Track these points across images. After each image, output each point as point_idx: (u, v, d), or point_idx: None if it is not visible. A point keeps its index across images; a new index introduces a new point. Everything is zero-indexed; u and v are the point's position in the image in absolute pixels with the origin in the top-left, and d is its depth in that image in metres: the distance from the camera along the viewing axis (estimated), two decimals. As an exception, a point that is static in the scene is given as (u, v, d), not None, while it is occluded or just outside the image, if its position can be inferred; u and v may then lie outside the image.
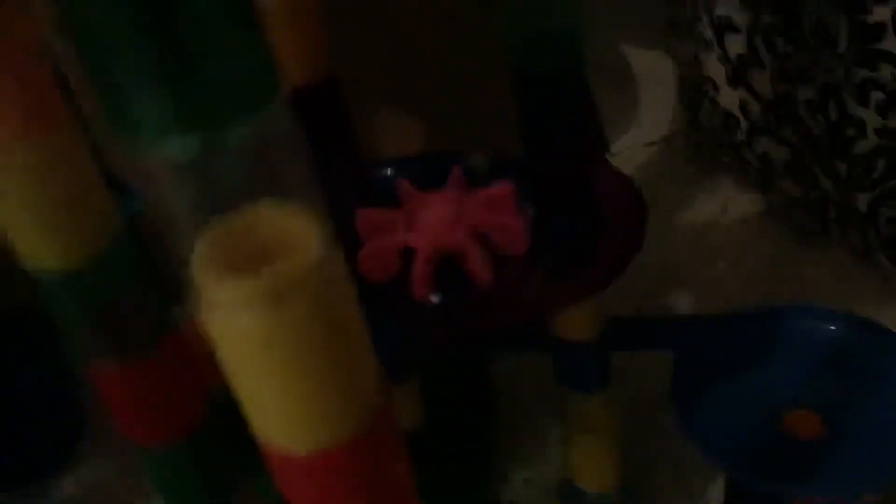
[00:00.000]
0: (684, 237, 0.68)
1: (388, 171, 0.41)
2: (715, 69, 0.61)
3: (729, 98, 0.61)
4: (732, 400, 0.47)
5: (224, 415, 0.49)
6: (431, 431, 0.51)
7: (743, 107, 0.60)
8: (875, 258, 0.58)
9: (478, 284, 0.34)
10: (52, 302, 0.26)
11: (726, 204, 0.70)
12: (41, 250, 0.25)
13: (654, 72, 0.75)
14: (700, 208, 0.70)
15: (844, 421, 0.45)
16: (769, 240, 0.66)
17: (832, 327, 0.48)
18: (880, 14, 0.47)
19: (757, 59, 0.56)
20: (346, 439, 0.19)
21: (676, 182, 0.73)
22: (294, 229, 0.18)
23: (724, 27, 0.58)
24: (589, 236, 0.36)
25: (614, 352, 0.47)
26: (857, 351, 0.47)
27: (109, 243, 0.26)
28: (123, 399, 0.28)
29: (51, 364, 0.59)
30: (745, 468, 0.44)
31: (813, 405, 0.46)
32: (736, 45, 0.57)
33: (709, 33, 0.59)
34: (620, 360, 0.48)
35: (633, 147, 0.76)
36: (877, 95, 0.50)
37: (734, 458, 0.44)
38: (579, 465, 0.49)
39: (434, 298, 0.34)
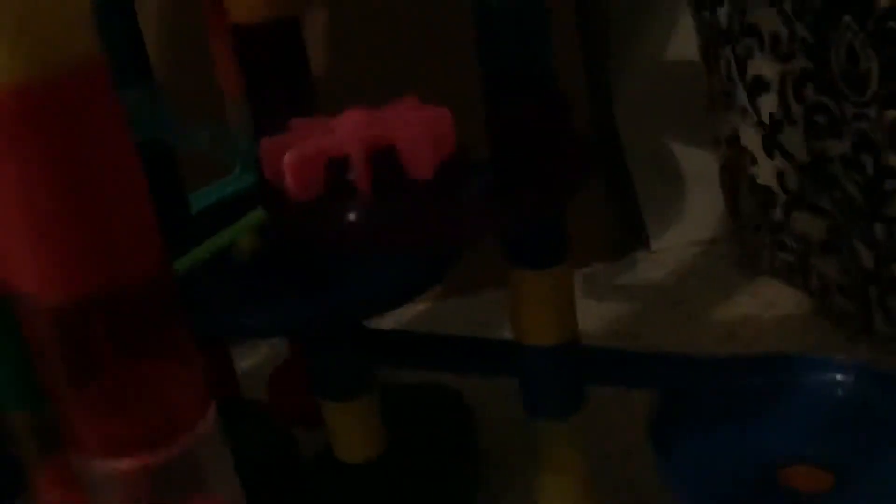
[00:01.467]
0: (717, 331, 0.62)
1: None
2: (751, 139, 0.57)
3: (766, 170, 0.57)
4: (722, 449, 0.40)
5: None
6: (397, 462, 0.46)
7: (780, 177, 0.56)
8: (922, 348, 0.51)
9: (417, 177, 0.30)
10: None
11: (768, 303, 0.64)
12: None
13: (702, 171, 0.71)
14: (739, 307, 0.65)
15: (855, 475, 0.38)
16: (808, 336, 0.60)
17: (842, 378, 0.41)
18: (911, 42, 0.43)
19: (789, 117, 0.53)
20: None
21: (718, 282, 0.68)
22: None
23: (757, 88, 0.55)
24: (539, 161, 0.32)
25: (590, 384, 0.42)
26: (870, 402, 0.40)
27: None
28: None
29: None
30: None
31: (819, 460, 0.39)
32: (768, 104, 0.54)
33: (743, 98, 0.56)
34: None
35: (675, 245, 0.72)
36: (912, 138, 0.45)
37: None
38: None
39: (377, 196, 0.30)
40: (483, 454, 0.53)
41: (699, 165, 0.71)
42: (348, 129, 0.30)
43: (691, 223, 0.72)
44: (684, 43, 0.67)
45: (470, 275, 0.69)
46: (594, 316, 0.65)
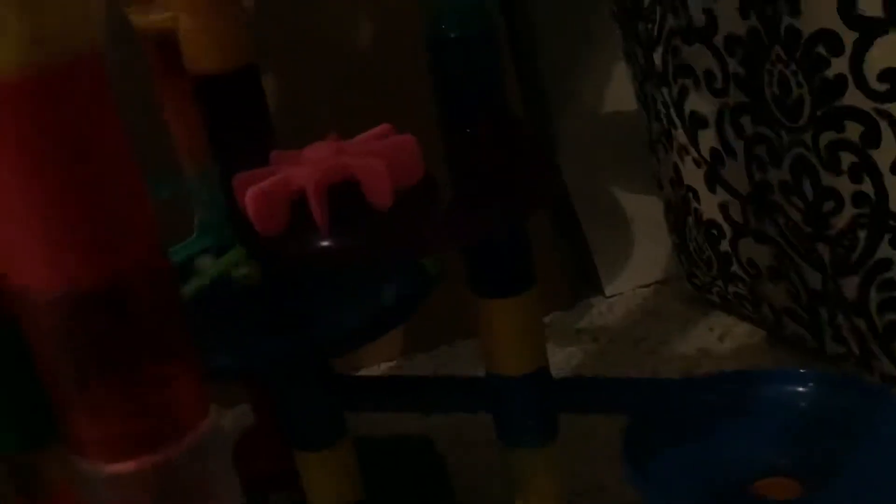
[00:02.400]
0: (678, 367, 0.64)
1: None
2: (693, 175, 0.59)
3: (710, 204, 0.59)
4: (695, 468, 0.41)
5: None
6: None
7: (724, 210, 0.58)
8: (875, 364, 0.52)
9: (377, 205, 0.30)
10: None
11: (723, 336, 0.66)
12: None
13: (649, 214, 0.73)
14: (696, 342, 0.66)
15: (825, 483, 0.38)
16: (764, 363, 0.61)
17: (804, 389, 0.42)
18: (839, 66, 0.46)
19: (729, 150, 0.55)
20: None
21: (673, 320, 0.69)
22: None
23: (695, 124, 0.57)
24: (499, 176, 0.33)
25: (562, 412, 0.42)
26: (836, 410, 0.41)
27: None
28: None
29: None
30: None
31: (789, 471, 0.40)
32: (708, 139, 0.56)
33: (682, 136, 0.59)
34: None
35: (628, 288, 0.73)
36: (847, 158, 0.47)
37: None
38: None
39: (334, 228, 0.30)
40: (458, 502, 0.53)
41: (645, 208, 0.73)
42: (308, 164, 0.31)
43: (642, 265, 0.73)
44: (621, 90, 0.70)
45: (433, 331, 0.70)
46: (557, 362, 0.66)
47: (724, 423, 0.42)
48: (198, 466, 0.19)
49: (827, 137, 0.48)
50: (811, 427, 0.41)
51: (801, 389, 0.42)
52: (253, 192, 0.30)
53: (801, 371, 0.43)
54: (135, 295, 0.17)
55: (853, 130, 0.47)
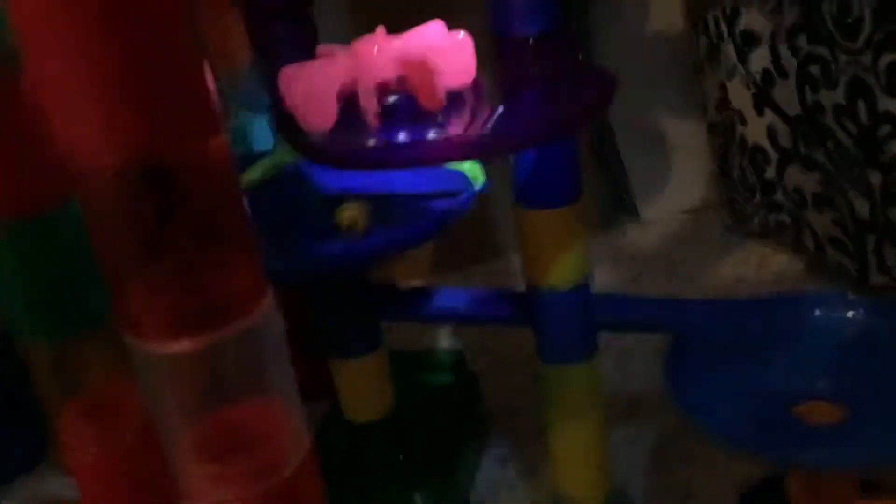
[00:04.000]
0: (714, 292, 0.63)
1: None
2: (741, 96, 0.58)
3: (756, 128, 0.57)
4: (736, 389, 0.40)
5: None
6: (403, 422, 0.46)
7: (771, 134, 0.56)
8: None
9: (429, 106, 0.29)
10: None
11: (761, 264, 0.64)
12: None
13: (688, 140, 0.72)
14: (733, 268, 0.65)
15: (867, 407, 0.38)
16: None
17: (852, 314, 0.41)
18: (905, -17, 0.44)
19: (781, 70, 0.53)
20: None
21: (709, 246, 0.68)
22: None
23: (747, 42, 0.55)
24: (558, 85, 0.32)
25: (604, 330, 0.42)
26: (879, 336, 0.40)
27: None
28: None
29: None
30: (751, 445, 0.37)
31: (831, 396, 0.39)
32: (760, 59, 0.54)
33: (733, 55, 0.57)
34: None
35: (665, 213, 0.72)
36: (907, 81, 0.46)
37: (738, 436, 0.37)
38: (561, 464, 0.42)
39: (387, 128, 0.29)
40: (487, 418, 0.53)
41: (685, 134, 0.72)
42: (358, 59, 0.30)
43: (679, 191, 0.72)
44: (666, 11, 0.68)
45: (463, 249, 0.69)
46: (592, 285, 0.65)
47: (766, 346, 0.41)
48: (253, 350, 0.18)
49: (888, 58, 0.46)
50: (854, 352, 0.40)
51: (844, 314, 0.41)
52: (301, 87, 0.29)
53: (845, 296, 0.42)
54: (194, 173, 0.17)
55: (916, 51, 0.45)
